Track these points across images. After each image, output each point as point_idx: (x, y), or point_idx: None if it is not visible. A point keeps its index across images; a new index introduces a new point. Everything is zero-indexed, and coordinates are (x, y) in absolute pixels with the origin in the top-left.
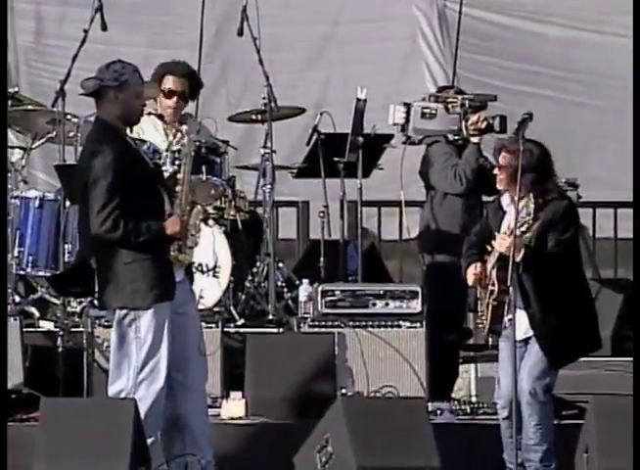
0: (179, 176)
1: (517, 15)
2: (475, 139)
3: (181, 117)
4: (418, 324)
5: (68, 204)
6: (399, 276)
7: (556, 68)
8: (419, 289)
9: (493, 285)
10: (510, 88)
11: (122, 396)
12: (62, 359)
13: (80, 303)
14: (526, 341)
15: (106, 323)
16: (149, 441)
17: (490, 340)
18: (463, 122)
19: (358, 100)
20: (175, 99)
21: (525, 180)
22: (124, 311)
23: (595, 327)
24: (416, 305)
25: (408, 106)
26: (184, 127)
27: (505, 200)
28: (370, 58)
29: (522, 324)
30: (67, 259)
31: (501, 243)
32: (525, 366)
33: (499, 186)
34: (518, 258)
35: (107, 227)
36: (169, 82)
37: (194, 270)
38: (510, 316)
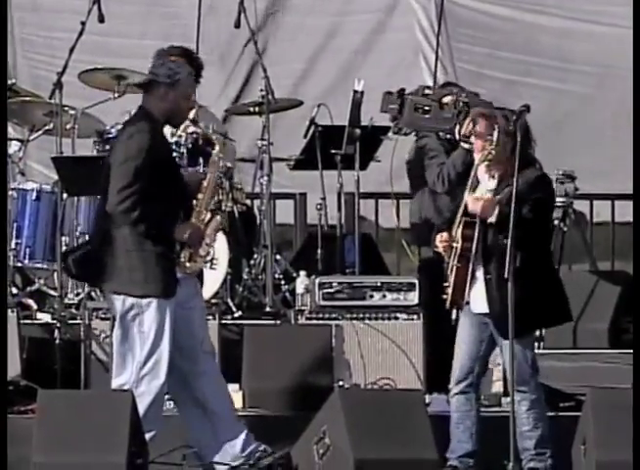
0: (204, 184)
1: (514, 6)
2: (465, 145)
3: None
4: (415, 316)
5: (65, 195)
6: (397, 268)
7: (553, 58)
8: (416, 281)
9: (457, 242)
10: (507, 79)
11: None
12: (59, 351)
13: (78, 294)
14: (487, 316)
15: (103, 315)
16: (149, 434)
17: (454, 315)
18: (457, 126)
19: (355, 92)
20: None
21: (502, 148)
22: (128, 305)
23: (562, 299)
24: (413, 298)
25: (402, 97)
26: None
27: (480, 170)
28: (368, 49)
29: (482, 296)
30: (64, 251)
31: (475, 202)
32: (504, 354)
33: (476, 154)
34: (492, 219)
35: (124, 207)
36: None
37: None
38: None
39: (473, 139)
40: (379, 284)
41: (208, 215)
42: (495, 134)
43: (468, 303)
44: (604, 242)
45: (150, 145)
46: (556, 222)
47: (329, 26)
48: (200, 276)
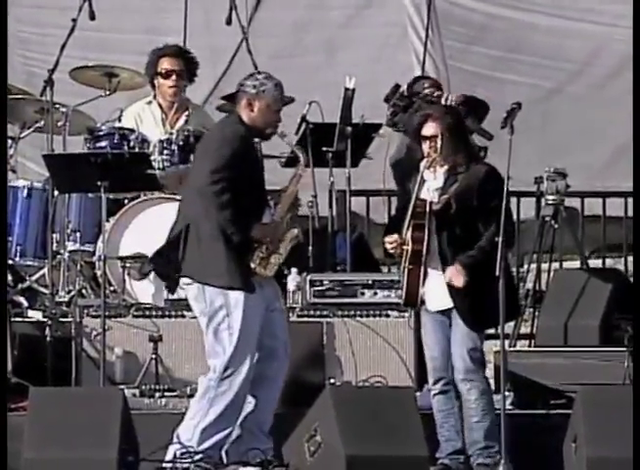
0: (284, 195)
1: (506, 4)
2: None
3: (182, 103)
4: (406, 314)
5: (56, 193)
6: (388, 265)
7: (545, 57)
8: None
9: (408, 245)
10: (497, 77)
11: (210, 384)
12: (50, 349)
13: (69, 292)
14: (447, 312)
15: (94, 313)
16: (224, 432)
17: (406, 313)
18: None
19: (347, 89)
20: (174, 77)
21: (448, 145)
22: (217, 306)
23: (514, 295)
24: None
25: (411, 98)
26: (183, 117)
27: (422, 166)
28: (358, 45)
29: (438, 294)
30: (55, 249)
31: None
32: (456, 343)
33: (433, 155)
34: (435, 207)
35: (215, 189)
36: (165, 63)
37: None
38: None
39: (425, 146)
40: (370, 281)
41: (285, 225)
42: (439, 141)
43: (423, 302)
44: (595, 238)
45: (242, 137)
46: (547, 219)
47: (317, 21)
48: (281, 270)
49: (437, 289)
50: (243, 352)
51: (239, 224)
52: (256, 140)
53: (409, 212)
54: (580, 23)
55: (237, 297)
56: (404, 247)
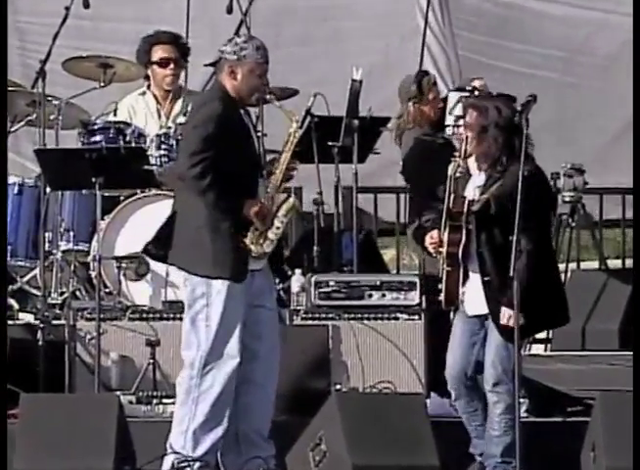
0: (278, 162)
1: None
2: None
3: (176, 91)
4: (416, 316)
5: (48, 190)
6: (396, 266)
7: (560, 49)
8: (417, 280)
9: (444, 247)
10: (511, 69)
11: (191, 383)
12: (42, 353)
13: (62, 294)
14: (482, 318)
15: (88, 316)
16: (217, 430)
17: (452, 315)
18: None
19: (354, 81)
20: (172, 65)
21: (493, 141)
22: (198, 294)
23: (562, 300)
24: (414, 297)
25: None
26: (178, 104)
27: (471, 163)
28: (368, 36)
29: (476, 298)
30: (47, 248)
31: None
32: (489, 351)
33: (468, 147)
34: (474, 207)
35: (195, 172)
36: (160, 51)
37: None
38: (464, 289)
39: (462, 129)
40: (378, 283)
41: (282, 197)
42: (475, 134)
43: (462, 301)
44: (614, 238)
45: (219, 114)
46: (564, 218)
47: (325, 11)
48: (280, 272)
49: (476, 293)
50: (222, 345)
51: (226, 206)
52: (258, 132)
53: (444, 212)
54: (599, 13)
55: (219, 287)
56: (440, 249)
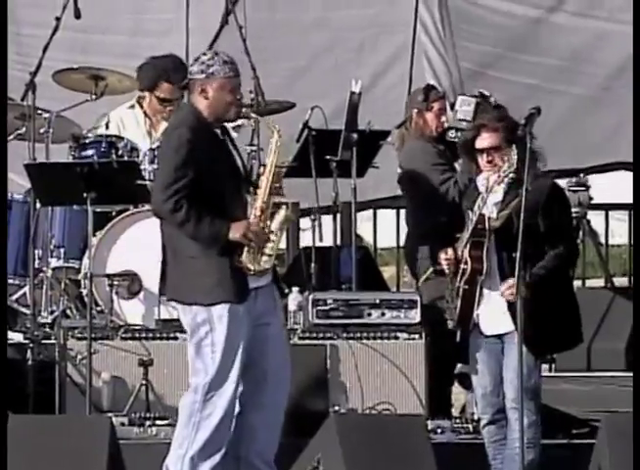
0: (263, 175)
1: (523, 2)
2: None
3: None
4: (417, 336)
5: (38, 205)
6: (396, 284)
7: (562, 58)
8: (417, 298)
9: (466, 263)
10: (513, 80)
11: (194, 408)
12: (32, 373)
13: (52, 312)
14: (499, 337)
15: (79, 335)
16: (218, 455)
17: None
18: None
19: (352, 93)
20: (169, 108)
21: (513, 158)
22: (200, 320)
23: (577, 320)
24: (414, 315)
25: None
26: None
27: (480, 180)
28: (365, 47)
29: (494, 317)
30: (37, 266)
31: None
32: (509, 368)
33: (489, 169)
34: (495, 223)
35: (169, 207)
36: (167, 91)
37: None
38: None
39: (482, 155)
40: (377, 301)
41: (269, 210)
42: (513, 155)
43: (476, 324)
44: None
45: (188, 139)
46: None
47: (322, 21)
48: (281, 289)
49: (495, 312)
50: (225, 371)
51: (208, 234)
52: (254, 146)
53: (470, 229)
54: (602, 22)
55: (220, 312)
56: (461, 265)
